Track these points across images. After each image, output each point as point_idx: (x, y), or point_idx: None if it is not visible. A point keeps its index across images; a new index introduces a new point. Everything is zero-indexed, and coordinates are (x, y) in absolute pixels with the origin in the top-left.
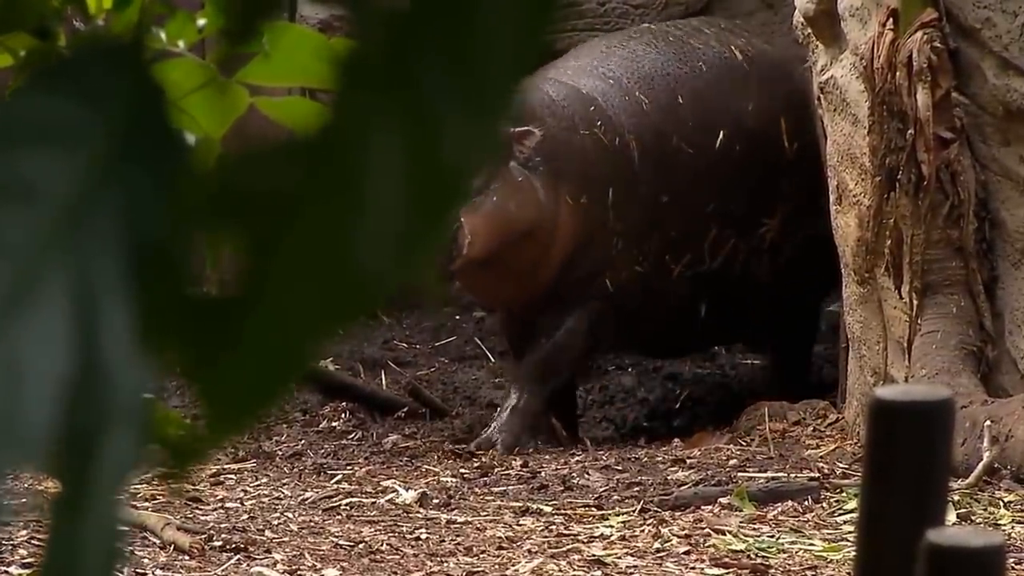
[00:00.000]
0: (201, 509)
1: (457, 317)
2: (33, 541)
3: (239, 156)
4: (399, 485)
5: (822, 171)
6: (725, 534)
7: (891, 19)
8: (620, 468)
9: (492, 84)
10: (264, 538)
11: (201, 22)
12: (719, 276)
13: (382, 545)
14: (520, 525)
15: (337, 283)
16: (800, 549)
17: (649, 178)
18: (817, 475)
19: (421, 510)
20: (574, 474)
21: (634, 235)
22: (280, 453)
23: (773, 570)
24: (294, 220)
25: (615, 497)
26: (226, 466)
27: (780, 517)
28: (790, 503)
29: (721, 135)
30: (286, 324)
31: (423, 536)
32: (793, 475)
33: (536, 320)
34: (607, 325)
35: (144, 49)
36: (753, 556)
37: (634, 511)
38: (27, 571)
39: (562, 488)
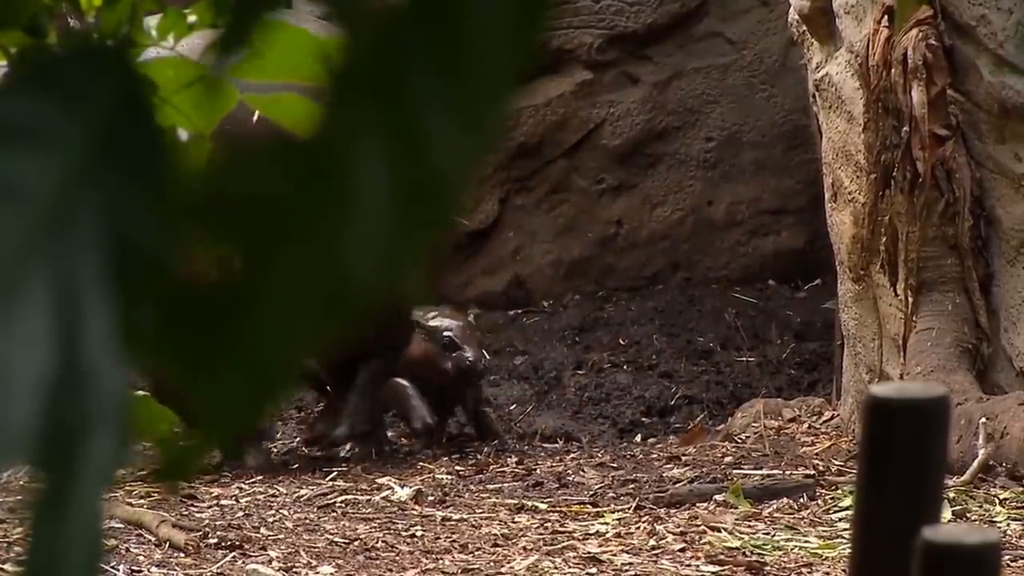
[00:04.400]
0: (196, 506)
1: None
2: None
3: (227, 159)
4: (394, 482)
5: None
6: (720, 531)
7: (886, 16)
8: (615, 465)
9: (481, 89)
10: (259, 535)
11: (192, 19)
12: None
13: (377, 542)
14: (515, 522)
15: (325, 287)
16: (795, 546)
17: None
18: (812, 472)
19: (416, 507)
20: (569, 471)
21: None
22: (275, 450)
23: (768, 567)
24: (282, 224)
25: (610, 494)
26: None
27: (775, 514)
28: (785, 500)
29: None
30: (274, 328)
31: (418, 533)
32: (788, 472)
33: None
34: None
35: (129, 49)
36: (748, 553)
37: (629, 508)
38: None
39: (557, 485)
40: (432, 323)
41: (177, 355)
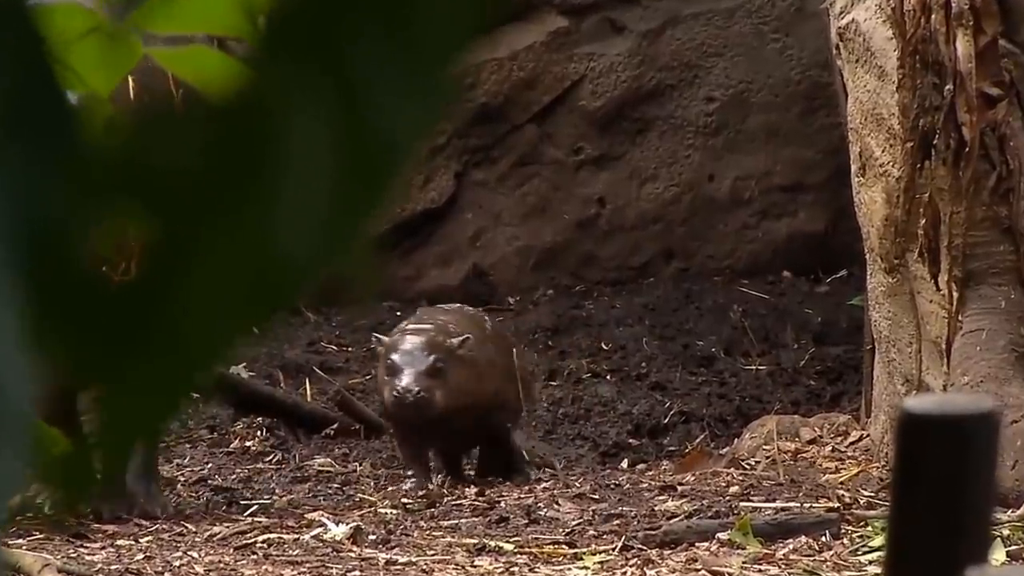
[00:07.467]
0: (87, 547)
1: (399, 314)
2: None
3: (143, 123)
4: (327, 518)
5: None
6: None
7: None
8: (596, 497)
9: (430, 54)
10: None
11: None
12: None
13: None
14: (475, 567)
15: (255, 270)
16: None
17: None
18: (836, 505)
19: (354, 548)
20: (541, 504)
21: None
22: (182, 479)
23: None
24: (206, 198)
25: (591, 532)
26: None
27: (791, 556)
28: (803, 539)
29: None
30: (197, 317)
31: None
32: (807, 505)
33: None
34: None
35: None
36: None
37: (614, 549)
38: None
39: (526, 521)
40: (391, 337)
41: (87, 351)
